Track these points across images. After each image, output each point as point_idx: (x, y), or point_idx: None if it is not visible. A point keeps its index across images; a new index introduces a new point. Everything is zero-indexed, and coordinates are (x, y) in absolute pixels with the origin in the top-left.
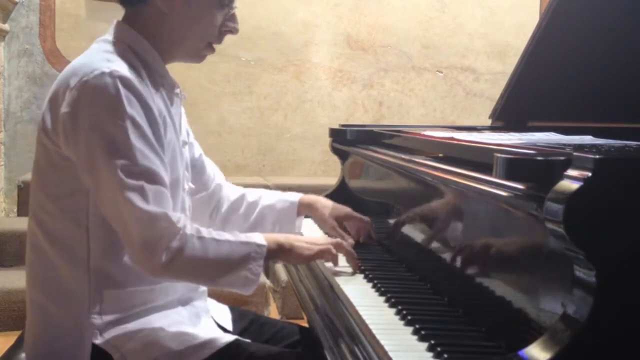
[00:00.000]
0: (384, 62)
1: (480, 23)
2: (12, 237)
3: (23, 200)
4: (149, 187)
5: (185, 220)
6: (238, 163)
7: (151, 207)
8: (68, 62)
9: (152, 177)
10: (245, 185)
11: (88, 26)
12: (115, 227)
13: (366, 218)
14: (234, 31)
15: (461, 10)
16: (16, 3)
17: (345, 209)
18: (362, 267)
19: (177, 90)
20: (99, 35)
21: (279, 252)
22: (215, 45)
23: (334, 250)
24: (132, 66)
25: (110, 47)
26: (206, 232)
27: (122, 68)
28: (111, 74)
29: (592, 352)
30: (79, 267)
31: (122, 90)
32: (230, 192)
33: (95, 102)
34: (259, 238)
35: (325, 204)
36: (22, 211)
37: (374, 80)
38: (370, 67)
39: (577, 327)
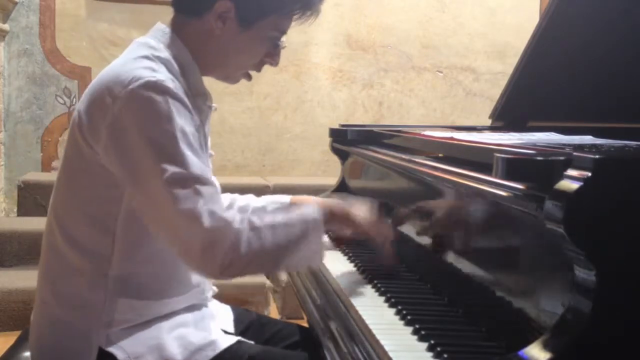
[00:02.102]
0: (384, 62)
1: (480, 23)
2: (12, 237)
3: (23, 201)
4: (202, 192)
5: (236, 216)
6: (238, 163)
7: (207, 212)
8: (68, 62)
9: (204, 182)
10: (246, 185)
11: (88, 26)
12: (166, 237)
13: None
14: (273, 64)
15: (461, 10)
16: (16, 3)
17: None
18: (362, 267)
19: (209, 103)
20: (98, 36)
21: (333, 221)
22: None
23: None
24: (174, 76)
25: (152, 53)
26: (258, 220)
27: (167, 78)
28: (159, 85)
29: (592, 352)
30: (97, 272)
31: (171, 101)
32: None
33: (144, 113)
34: (311, 211)
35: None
36: (22, 211)
37: (374, 80)
38: (370, 67)
39: (577, 327)
